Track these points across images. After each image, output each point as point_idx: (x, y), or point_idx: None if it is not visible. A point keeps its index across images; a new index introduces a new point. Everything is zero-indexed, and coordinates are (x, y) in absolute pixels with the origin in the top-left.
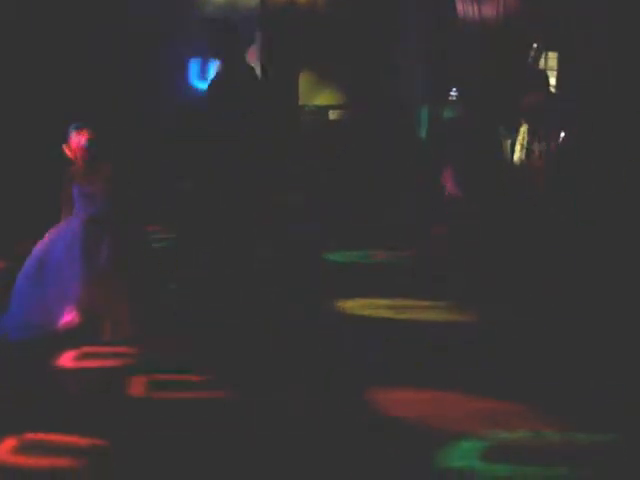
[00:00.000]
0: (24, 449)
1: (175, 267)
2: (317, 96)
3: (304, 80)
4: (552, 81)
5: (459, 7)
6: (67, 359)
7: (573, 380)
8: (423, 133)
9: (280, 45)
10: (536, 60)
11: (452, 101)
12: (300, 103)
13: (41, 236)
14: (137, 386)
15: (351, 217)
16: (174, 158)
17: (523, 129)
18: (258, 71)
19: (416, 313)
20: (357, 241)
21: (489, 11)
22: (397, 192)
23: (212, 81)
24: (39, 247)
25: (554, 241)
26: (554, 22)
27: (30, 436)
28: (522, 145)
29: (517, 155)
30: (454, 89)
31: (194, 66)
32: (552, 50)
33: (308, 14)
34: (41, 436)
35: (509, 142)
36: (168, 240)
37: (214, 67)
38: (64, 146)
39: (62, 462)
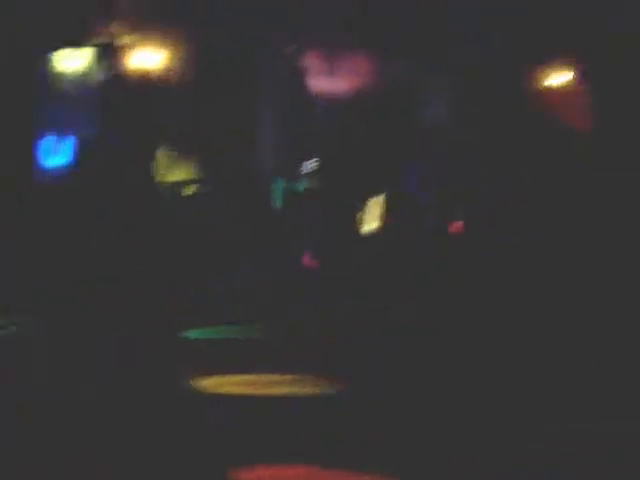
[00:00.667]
0: None
1: None
2: (173, 172)
3: (160, 156)
4: None
5: (311, 81)
6: None
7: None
8: (278, 204)
9: (133, 118)
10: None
11: (308, 173)
12: (156, 179)
13: None
14: None
15: (206, 292)
16: None
17: (377, 200)
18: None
19: (276, 388)
20: (210, 317)
21: (341, 85)
22: (249, 264)
23: None
24: None
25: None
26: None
27: None
28: (376, 215)
29: (367, 227)
30: (311, 160)
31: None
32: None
33: (161, 85)
34: None
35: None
36: None
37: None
38: None
39: None
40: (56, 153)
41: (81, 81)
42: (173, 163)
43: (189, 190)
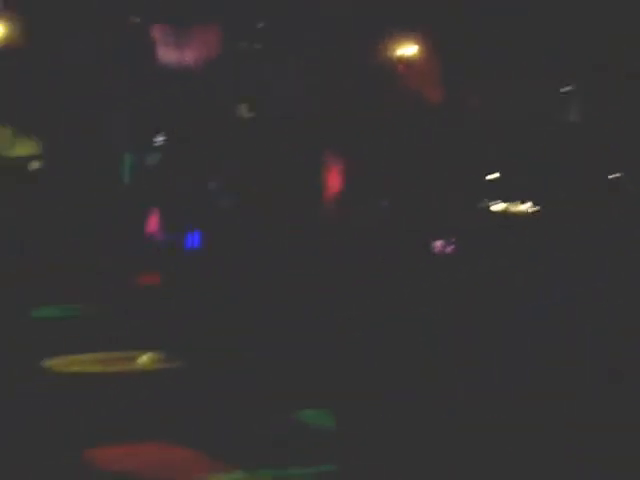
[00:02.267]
0: None
1: None
2: (16, 146)
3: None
4: None
5: (160, 53)
6: None
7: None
8: (127, 179)
9: None
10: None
11: (157, 147)
12: None
13: None
14: None
15: (55, 267)
16: None
17: None
18: None
19: (126, 365)
20: (61, 295)
21: (191, 56)
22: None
23: None
24: None
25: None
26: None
27: None
28: None
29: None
30: (160, 134)
31: None
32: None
33: (4, 58)
34: None
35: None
36: None
37: None
38: None
39: None
40: None
41: None
42: (16, 137)
43: (33, 165)
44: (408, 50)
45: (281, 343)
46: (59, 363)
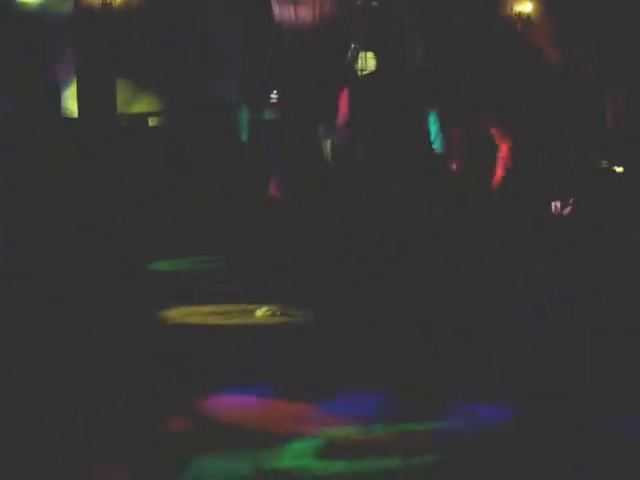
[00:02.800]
0: None
1: None
2: (135, 103)
3: (121, 87)
4: None
5: (275, 10)
6: None
7: (396, 375)
8: (245, 136)
9: (96, 50)
10: (354, 60)
11: (272, 103)
12: (118, 111)
13: None
14: None
15: (174, 223)
16: None
17: None
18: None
19: (244, 318)
20: (182, 248)
21: (305, 13)
22: (222, 195)
23: None
24: None
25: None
26: (372, 23)
27: None
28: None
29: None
30: (274, 91)
31: None
32: (370, 50)
33: (123, 16)
34: None
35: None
36: None
37: None
38: None
39: None
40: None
41: (42, 11)
42: (135, 94)
43: (153, 122)
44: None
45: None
46: (177, 314)
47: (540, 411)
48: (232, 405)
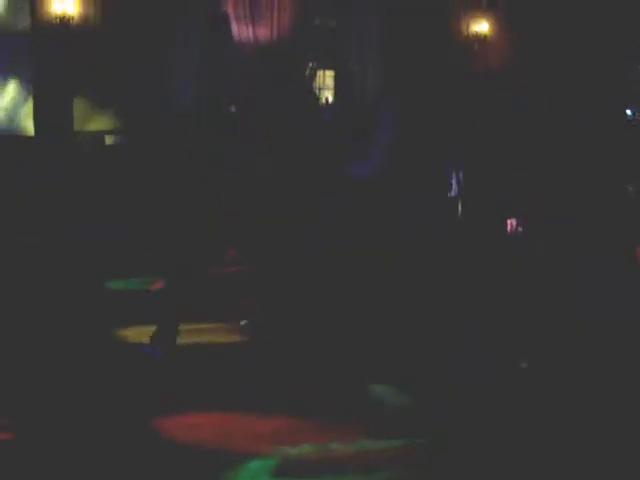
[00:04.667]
0: None
1: None
2: (92, 121)
3: (79, 105)
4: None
5: (234, 29)
6: None
7: (352, 392)
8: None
9: (54, 67)
10: (312, 79)
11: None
12: (75, 129)
13: None
14: None
15: (132, 241)
16: None
17: None
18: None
19: (201, 336)
20: (138, 267)
21: (264, 32)
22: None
23: None
24: None
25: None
26: (330, 41)
27: None
28: None
29: None
30: (232, 108)
31: None
32: (328, 69)
33: (81, 33)
34: None
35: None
36: None
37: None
38: None
39: None
40: None
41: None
42: (93, 112)
43: (109, 140)
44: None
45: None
46: (134, 333)
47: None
48: (189, 424)
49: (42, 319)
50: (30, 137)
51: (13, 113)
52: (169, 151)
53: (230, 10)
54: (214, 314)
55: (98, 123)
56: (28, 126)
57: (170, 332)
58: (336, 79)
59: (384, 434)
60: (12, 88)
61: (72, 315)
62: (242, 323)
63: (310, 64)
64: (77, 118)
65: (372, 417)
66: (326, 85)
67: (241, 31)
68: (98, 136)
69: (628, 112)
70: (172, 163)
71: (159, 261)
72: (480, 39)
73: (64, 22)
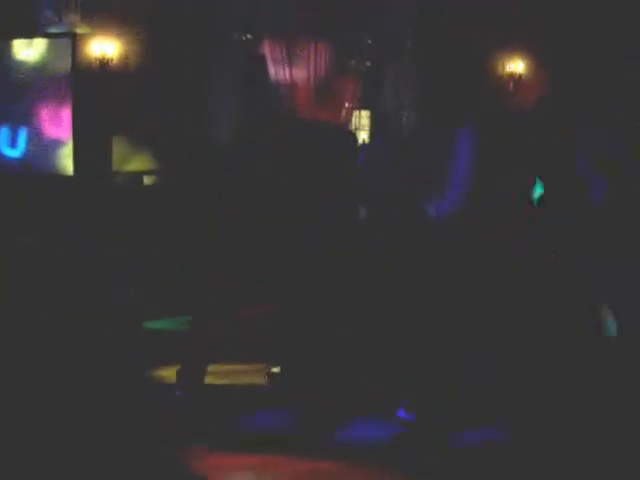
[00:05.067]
0: None
1: None
2: (131, 162)
3: (117, 145)
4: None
5: (271, 70)
6: None
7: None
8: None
9: (93, 108)
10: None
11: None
12: (114, 169)
13: None
14: None
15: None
16: None
17: None
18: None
19: (235, 378)
20: (179, 307)
21: (301, 73)
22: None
23: None
24: None
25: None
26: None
27: None
28: None
29: None
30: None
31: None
32: (364, 109)
33: (120, 74)
34: None
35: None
36: None
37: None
38: None
39: None
40: (12, 145)
41: (39, 72)
42: (131, 152)
43: (148, 180)
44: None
45: None
46: (170, 374)
47: None
48: (227, 465)
49: (80, 365)
50: (69, 177)
51: (53, 153)
52: (205, 192)
53: (267, 52)
54: (245, 355)
55: (136, 163)
56: (67, 165)
57: (197, 372)
58: (372, 119)
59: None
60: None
61: (109, 355)
62: (273, 370)
63: (346, 104)
64: (116, 158)
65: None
66: (362, 125)
67: (277, 72)
68: (136, 176)
69: None
70: (207, 203)
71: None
72: (515, 79)
73: (103, 63)
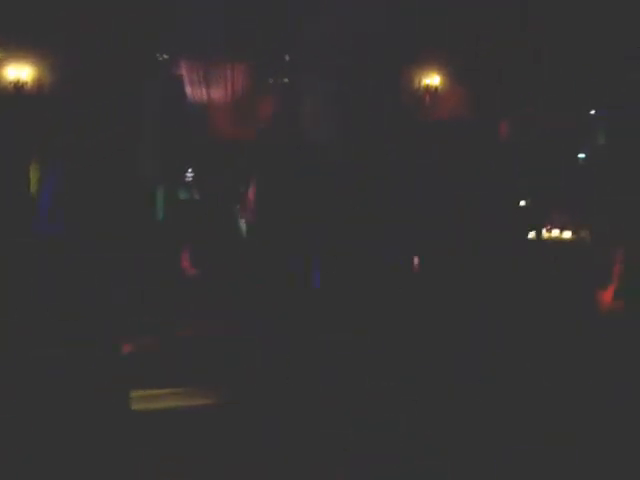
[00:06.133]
0: None
1: None
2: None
3: (35, 171)
4: None
5: (187, 90)
6: None
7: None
8: (160, 214)
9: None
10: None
11: (187, 182)
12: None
13: None
14: None
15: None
16: None
17: None
18: None
19: (163, 401)
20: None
21: (217, 93)
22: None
23: None
24: None
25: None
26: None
27: None
28: None
29: None
30: (189, 170)
31: None
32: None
33: (35, 98)
34: None
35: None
36: None
37: None
38: None
39: None
40: None
41: None
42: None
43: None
44: (434, 80)
45: None
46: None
47: None
48: None
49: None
50: None
51: None
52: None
53: (184, 73)
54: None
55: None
56: None
57: None
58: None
59: None
60: None
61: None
62: None
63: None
64: (33, 184)
65: None
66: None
67: (195, 93)
68: None
69: (581, 155)
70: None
71: None
72: (431, 92)
73: (17, 87)
